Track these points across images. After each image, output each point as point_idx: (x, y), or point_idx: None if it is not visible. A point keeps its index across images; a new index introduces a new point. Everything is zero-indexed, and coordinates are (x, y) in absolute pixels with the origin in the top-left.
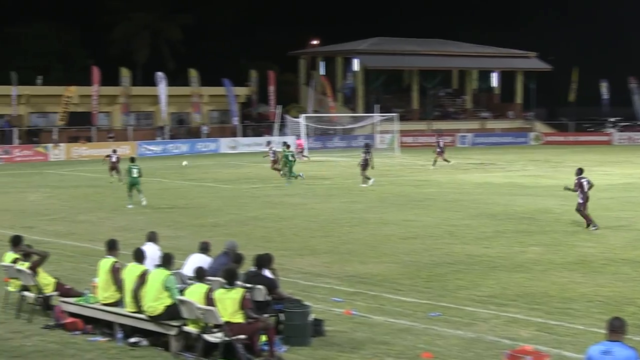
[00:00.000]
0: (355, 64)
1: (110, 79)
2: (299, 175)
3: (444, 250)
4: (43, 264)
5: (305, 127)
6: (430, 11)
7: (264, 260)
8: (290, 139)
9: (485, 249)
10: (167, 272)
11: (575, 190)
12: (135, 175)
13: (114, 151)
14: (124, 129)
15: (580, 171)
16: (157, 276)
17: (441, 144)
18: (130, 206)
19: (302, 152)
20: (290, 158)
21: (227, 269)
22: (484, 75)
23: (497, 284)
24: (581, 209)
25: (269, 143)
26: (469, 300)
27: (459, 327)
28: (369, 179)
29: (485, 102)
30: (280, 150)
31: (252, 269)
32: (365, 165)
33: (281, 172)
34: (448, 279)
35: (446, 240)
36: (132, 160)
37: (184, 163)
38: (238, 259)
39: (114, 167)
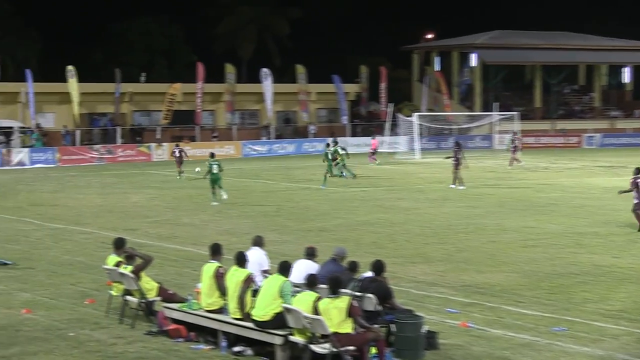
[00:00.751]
0: (473, 59)
1: (215, 76)
2: (342, 175)
3: (568, 260)
4: (147, 268)
5: (418, 127)
6: (554, 2)
7: (381, 266)
8: (402, 139)
9: (614, 259)
10: (284, 279)
11: (631, 190)
12: (215, 171)
13: (177, 145)
14: (228, 128)
15: (637, 170)
16: (274, 282)
17: (516, 143)
18: (214, 203)
19: (373, 153)
20: (334, 155)
21: (332, 277)
22: (614, 70)
23: (628, 298)
24: (637, 210)
25: (335, 143)
26: (597, 315)
27: (586, 343)
28: (461, 182)
29: (616, 100)
30: (331, 149)
31: (369, 274)
32: (457, 164)
33: (328, 173)
34: (573, 291)
35: (571, 249)
36: (212, 155)
37: (197, 169)
38: (353, 267)
39: (180, 163)
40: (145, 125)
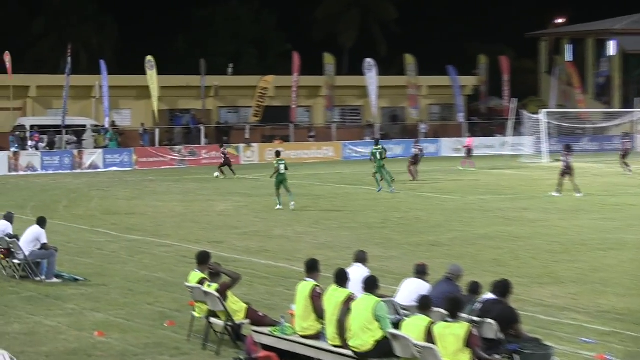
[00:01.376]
0: (611, 47)
1: (312, 68)
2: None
3: None
4: (234, 287)
5: (546, 126)
6: None
7: (506, 288)
8: (527, 140)
9: None
10: (377, 299)
11: None
12: (282, 172)
13: (222, 146)
14: (327, 127)
15: None
16: (365, 303)
17: (627, 146)
18: (278, 207)
19: (469, 154)
20: (378, 157)
21: (452, 298)
22: None
23: None
24: None
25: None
26: None
27: None
28: (577, 189)
29: None
30: (380, 148)
31: (490, 296)
32: (566, 171)
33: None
34: None
35: None
36: (278, 154)
37: (216, 174)
38: (474, 288)
39: (226, 163)
40: (233, 123)
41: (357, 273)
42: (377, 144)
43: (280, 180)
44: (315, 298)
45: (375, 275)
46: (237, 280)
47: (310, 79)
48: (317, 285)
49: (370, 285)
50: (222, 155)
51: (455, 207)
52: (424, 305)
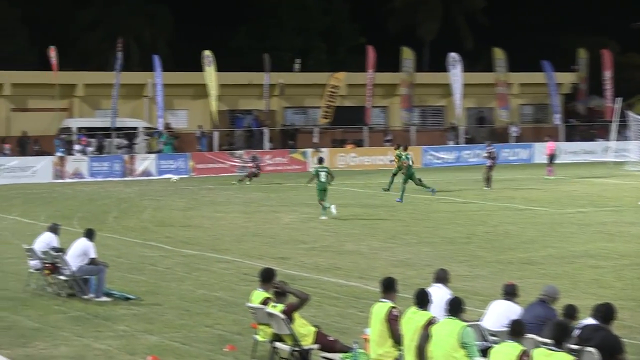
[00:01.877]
0: None
1: (388, 63)
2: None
3: None
4: (301, 308)
5: None
6: None
7: (609, 312)
8: (633, 145)
9: None
10: (462, 324)
11: None
12: (323, 180)
13: (254, 158)
14: (405, 130)
15: None
16: (450, 328)
17: None
18: (323, 217)
19: (552, 160)
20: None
21: (559, 324)
22: None
23: None
24: None
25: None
26: None
27: None
28: None
29: None
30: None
31: (590, 321)
32: None
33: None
34: None
35: None
36: (321, 161)
37: (174, 179)
38: (571, 312)
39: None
40: (300, 125)
41: (438, 294)
42: (398, 147)
43: (322, 189)
44: (392, 321)
45: (459, 296)
46: (306, 301)
47: (387, 76)
48: (393, 307)
49: (456, 307)
50: (252, 164)
51: (551, 221)
52: (516, 330)
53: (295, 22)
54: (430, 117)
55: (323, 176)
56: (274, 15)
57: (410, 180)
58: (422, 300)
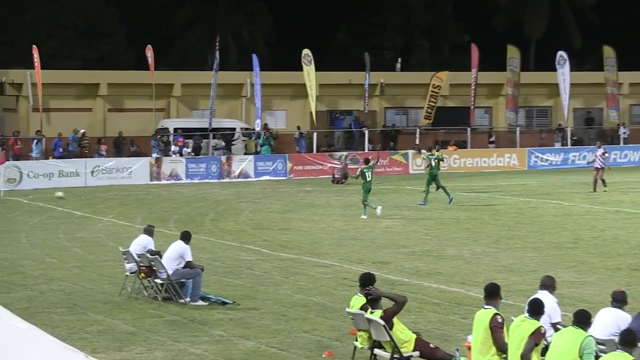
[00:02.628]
0: None
1: (492, 62)
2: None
3: None
4: (399, 312)
5: None
6: None
7: None
8: None
9: None
10: (585, 334)
11: None
12: (369, 179)
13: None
14: (510, 132)
15: None
16: (573, 337)
17: None
18: (364, 217)
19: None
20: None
21: None
22: None
23: None
24: None
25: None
26: None
27: None
28: None
29: None
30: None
31: None
32: None
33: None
34: None
35: None
36: (367, 162)
37: (58, 194)
38: None
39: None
40: (401, 126)
41: (544, 301)
42: (433, 149)
43: (368, 189)
44: (496, 328)
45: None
46: (403, 304)
47: (491, 75)
48: (497, 314)
49: (584, 319)
50: (342, 166)
51: None
52: (627, 340)
53: (397, 20)
54: (536, 118)
55: (369, 175)
56: (376, 13)
57: (433, 183)
58: (536, 309)
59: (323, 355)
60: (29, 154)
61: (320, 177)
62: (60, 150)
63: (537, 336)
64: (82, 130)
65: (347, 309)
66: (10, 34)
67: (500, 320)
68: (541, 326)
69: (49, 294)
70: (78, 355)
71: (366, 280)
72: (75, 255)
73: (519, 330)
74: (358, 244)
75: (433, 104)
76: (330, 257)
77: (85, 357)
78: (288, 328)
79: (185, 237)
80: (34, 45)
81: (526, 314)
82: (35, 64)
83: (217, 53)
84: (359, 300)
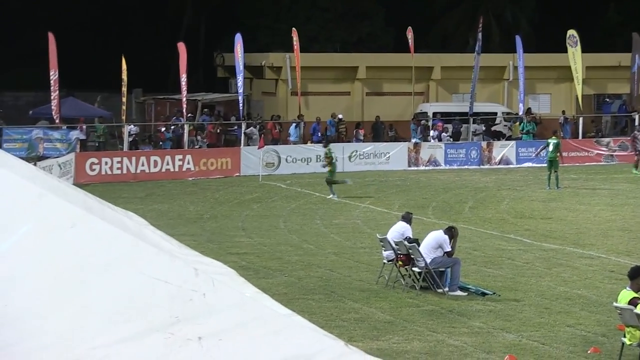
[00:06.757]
0: None
1: None
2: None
3: None
4: None
5: None
6: None
7: None
8: None
9: None
10: None
11: None
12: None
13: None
14: None
15: None
16: None
17: None
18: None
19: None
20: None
21: None
22: None
23: None
24: None
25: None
26: None
27: None
28: None
29: None
30: None
31: None
32: None
33: None
34: None
35: None
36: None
37: (347, 181)
38: None
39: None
40: None
41: None
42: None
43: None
44: None
45: None
46: None
47: None
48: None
49: None
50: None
51: None
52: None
53: None
54: None
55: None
56: None
57: (552, 169)
58: None
59: (588, 352)
60: (287, 138)
61: (586, 164)
62: (319, 134)
63: None
64: (339, 115)
65: (615, 304)
66: (269, 18)
67: None
68: None
69: (306, 280)
70: (338, 343)
71: (635, 274)
72: (333, 241)
73: None
74: (627, 235)
75: None
76: (597, 248)
77: (345, 345)
78: (551, 322)
79: (449, 230)
80: (293, 28)
81: None
82: (295, 47)
83: (480, 35)
84: (627, 294)
